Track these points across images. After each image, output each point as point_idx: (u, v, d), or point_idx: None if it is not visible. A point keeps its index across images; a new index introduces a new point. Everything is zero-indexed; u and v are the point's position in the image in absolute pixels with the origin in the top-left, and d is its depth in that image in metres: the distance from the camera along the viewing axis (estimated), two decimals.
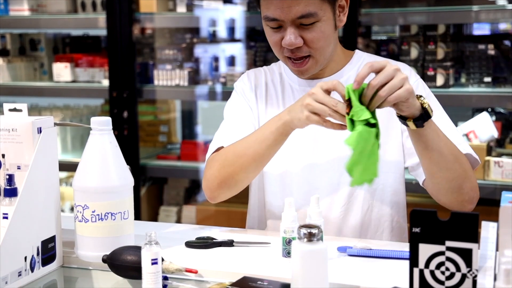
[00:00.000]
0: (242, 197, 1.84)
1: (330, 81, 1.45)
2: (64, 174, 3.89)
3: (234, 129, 1.72)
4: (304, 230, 1.16)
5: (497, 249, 1.17)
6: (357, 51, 1.80)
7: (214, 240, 1.57)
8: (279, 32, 1.62)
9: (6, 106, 1.47)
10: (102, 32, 3.58)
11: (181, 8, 3.44)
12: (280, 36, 1.62)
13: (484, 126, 3.05)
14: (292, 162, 1.73)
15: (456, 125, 3.13)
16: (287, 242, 1.41)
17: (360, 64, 1.75)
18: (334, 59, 1.72)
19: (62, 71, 3.63)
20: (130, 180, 1.49)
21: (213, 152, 1.70)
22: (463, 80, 3.13)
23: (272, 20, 1.60)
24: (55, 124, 1.49)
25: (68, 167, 3.36)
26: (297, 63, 1.65)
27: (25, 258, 1.38)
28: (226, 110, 1.81)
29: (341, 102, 1.42)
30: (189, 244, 1.56)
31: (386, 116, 1.67)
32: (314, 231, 1.15)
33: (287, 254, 1.41)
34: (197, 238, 1.58)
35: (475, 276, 1.10)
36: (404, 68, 1.73)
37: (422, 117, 1.46)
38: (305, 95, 1.49)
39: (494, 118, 3.15)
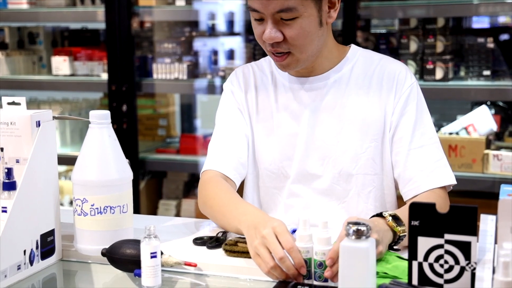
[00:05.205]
0: (241, 192, 1.84)
1: (287, 239, 1.29)
2: (63, 168, 3.89)
3: (224, 147, 1.72)
4: (353, 228, 1.13)
5: (495, 242, 1.17)
6: (352, 46, 1.75)
7: (218, 237, 1.54)
8: (261, 24, 1.59)
9: (5, 100, 1.47)
10: (101, 25, 3.58)
11: (180, 2, 3.43)
12: (263, 29, 1.59)
13: (483, 120, 3.05)
14: (288, 165, 1.72)
15: (455, 119, 3.14)
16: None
17: (356, 60, 1.71)
18: (326, 55, 1.68)
19: (60, 65, 3.62)
20: (129, 174, 1.49)
21: (206, 169, 1.71)
22: (462, 73, 3.13)
23: (254, 11, 1.59)
24: (54, 117, 1.49)
25: (67, 160, 3.36)
26: (278, 57, 1.62)
27: (24, 251, 1.38)
28: (217, 116, 1.79)
29: (287, 257, 1.28)
30: (197, 242, 1.54)
31: (381, 118, 1.67)
32: (362, 228, 1.13)
33: (302, 276, 1.30)
34: (199, 237, 1.57)
35: (474, 269, 1.10)
36: (400, 69, 1.69)
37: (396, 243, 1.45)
38: (258, 234, 1.34)
39: (493, 111, 3.16)
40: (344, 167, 1.67)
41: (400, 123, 1.66)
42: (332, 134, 1.68)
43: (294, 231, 1.49)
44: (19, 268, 1.37)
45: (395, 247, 1.44)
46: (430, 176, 1.61)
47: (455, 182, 1.64)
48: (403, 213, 1.47)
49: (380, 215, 1.44)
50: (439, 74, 3.00)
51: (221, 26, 3.67)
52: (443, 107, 3.51)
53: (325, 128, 1.68)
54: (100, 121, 1.47)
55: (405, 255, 1.34)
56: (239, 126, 1.75)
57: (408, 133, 1.64)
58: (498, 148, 2.99)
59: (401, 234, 1.41)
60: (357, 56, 1.72)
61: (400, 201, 1.69)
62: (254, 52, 3.41)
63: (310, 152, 1.69)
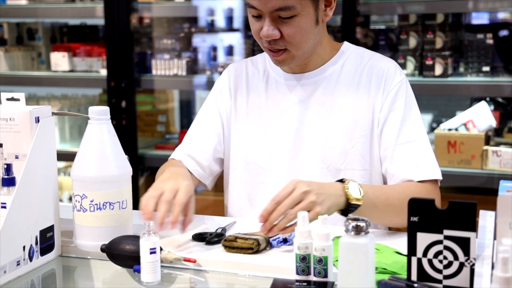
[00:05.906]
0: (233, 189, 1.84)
1: (181, 197, 1.48)
2: (62, 164, 3.89)
3: (194, 144, 1.80)
4: (352, 223, 1.14)
5: (494, 238, 1.17)
6: (345, 43, 1.77)
7: (217, 233, 1.54)
8: (259, 21, 1.62)
9: (4, 96, 1.47)
10: (100, 21, 3.57)
11: None
12: (260, 25, 1.61)
13: (482, 116, 3.05)
14: (276, 160, 1.72)
15: (454, 115, 3.14)
16: (301, 259, 1.28)
17: (347, 57, 1.73)
18: (319, 52, 1.70)
19: (60, 61, 3.62)
20: (128, 170, 1.49)
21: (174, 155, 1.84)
22: (461, 69, 3.13)
23: (252, 8, 1.60)
24: (53, 113, 1.49)
25: (66, 156, 3.36)
26: (274, 53, 1.64)
27: (24, 247, 1.39)
28: (201, 109, 1.85)
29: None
30: (196, 238, 1.53)
31: (369, 115, 1.68)
32: (361, 224, 1.13)
33: (301, 272, 1.28)
34: (198, 233, 1.57)
35: (473, 264, 1.11)
36: (390, 66, 1.71)
37: (349, 210, 1.47)
38: (158, 185, 1.52)
39: (492, 107, 3.16)
40: (333, 162, 1.68)
41: (388, 119, 1.67)
42: (320, 129, 1.70)
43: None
44: (18, 264, 1.37)
45: (350, 214, 1.47)
46: (414, 170, 1.62)
47: (440, 177, 1.64)
48: (378, 188, 1.58)
49: (341, 180, 1.50)
50: (438, 70, 3.00)
51: (220, 22, 3.67)
52: (442, 103, 3.51)
53: (314, 124, 1.70)
54: (99, 117, 1.47)
55: (404, 250, 1.34)
56: (212, 129, 1.79)
57: (395, 129, 1.66)
58: (497, 144, 2.99)
59: (352, 202, 1.46)
60: (349, 53, 1.74)
61: None
62: (253, 48, 3.41)
63: (298, 147, 1.71)
